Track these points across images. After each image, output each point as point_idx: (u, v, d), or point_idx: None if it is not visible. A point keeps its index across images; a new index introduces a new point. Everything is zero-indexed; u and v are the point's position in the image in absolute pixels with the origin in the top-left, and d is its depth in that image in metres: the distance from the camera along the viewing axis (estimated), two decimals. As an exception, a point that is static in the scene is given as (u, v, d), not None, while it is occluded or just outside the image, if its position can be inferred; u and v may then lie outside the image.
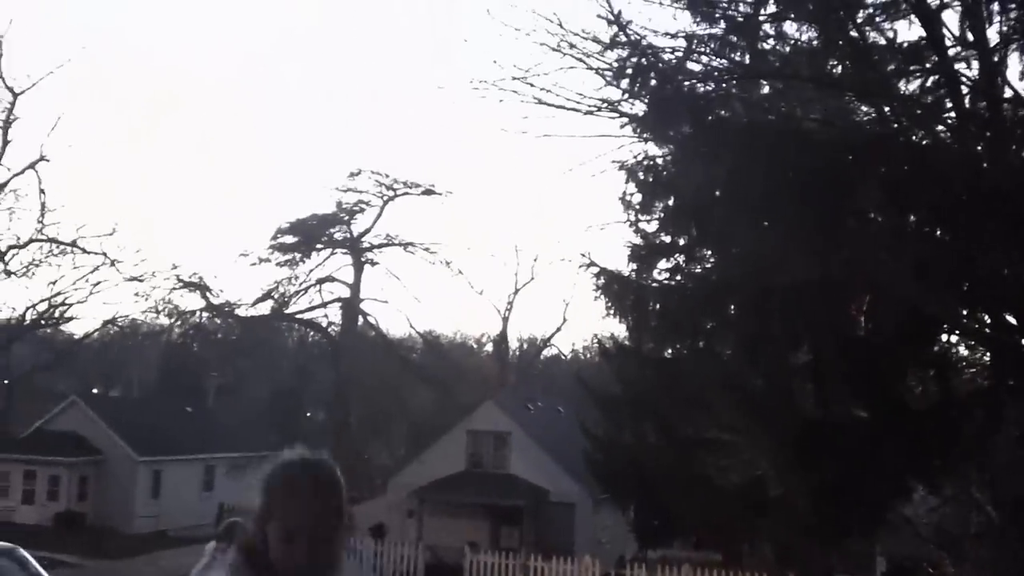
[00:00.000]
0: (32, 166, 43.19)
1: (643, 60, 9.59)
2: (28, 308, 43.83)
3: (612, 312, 13.59)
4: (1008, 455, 11.09)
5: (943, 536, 14.34)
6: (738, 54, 10.29)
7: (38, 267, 43.18)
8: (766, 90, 10.90)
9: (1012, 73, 9.59)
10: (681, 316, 12.17)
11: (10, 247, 42.50)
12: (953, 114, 9.57)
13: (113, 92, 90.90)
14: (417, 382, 55.24)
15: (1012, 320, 9.89)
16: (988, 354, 11.52)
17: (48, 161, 44.13)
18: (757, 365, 11.77)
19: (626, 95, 10.12)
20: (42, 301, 43.93)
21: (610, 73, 9.96)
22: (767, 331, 10.93)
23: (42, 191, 43.19)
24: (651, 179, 13.21)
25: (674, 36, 10.07)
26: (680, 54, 9.95)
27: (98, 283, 43.72)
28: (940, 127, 9.75)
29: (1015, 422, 10.87)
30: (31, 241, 42.67)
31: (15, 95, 43.31)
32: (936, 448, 10.57)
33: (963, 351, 12.26)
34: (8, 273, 42.43)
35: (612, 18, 9.95)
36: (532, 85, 10.81)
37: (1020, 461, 10.74)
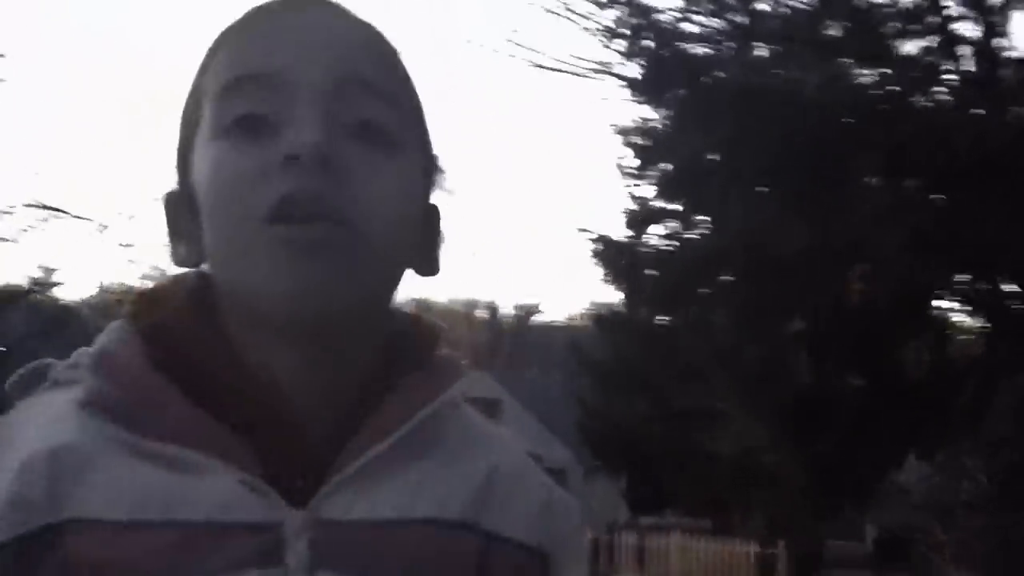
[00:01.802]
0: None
1: (639, 20, 9.47)
2: (22, 276, 43.70)
3: (607, 278, 13.54)
4: (1002, 423, 11.09)
5: (934, 505, 14.38)
6: (735, 15, 10.17)
7: (26, 232, 42.98)
8: (763, 53, 10.78)
9: (1014, 33, 9.49)
10: (675, 283, 12.12)
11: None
12: (953, 77, 9.47)
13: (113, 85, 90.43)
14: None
15: (1009, 287, 9.85)
16: (984, 322, 11.50)
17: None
18: (751, 334, 11.75)
19: (622, 57, 10.01)
20: (35, 267, 43.76)
21: (606, 35, 9.84)
22: (762, 300, 10.89)
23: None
24: (647, 143, 13.10)
25: (670, -4, 10.00)
26: (677, 15, 9.83)
27: (90, 249, 43.60)
28: (940, 90, 9.65)
29: (1010, 390, 10.87)
30: (24, 207, 42.47)
31: None
32: (931, 417, 10.58)
33: (958, 319, 12.25)
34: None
35: (608, -23, 9.83)
36: (526, 47, 10.69)
37: (1014, 429, 10.75)
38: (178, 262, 0.91)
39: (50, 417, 0.82)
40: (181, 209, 0.89)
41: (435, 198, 0.95)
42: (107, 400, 0.81)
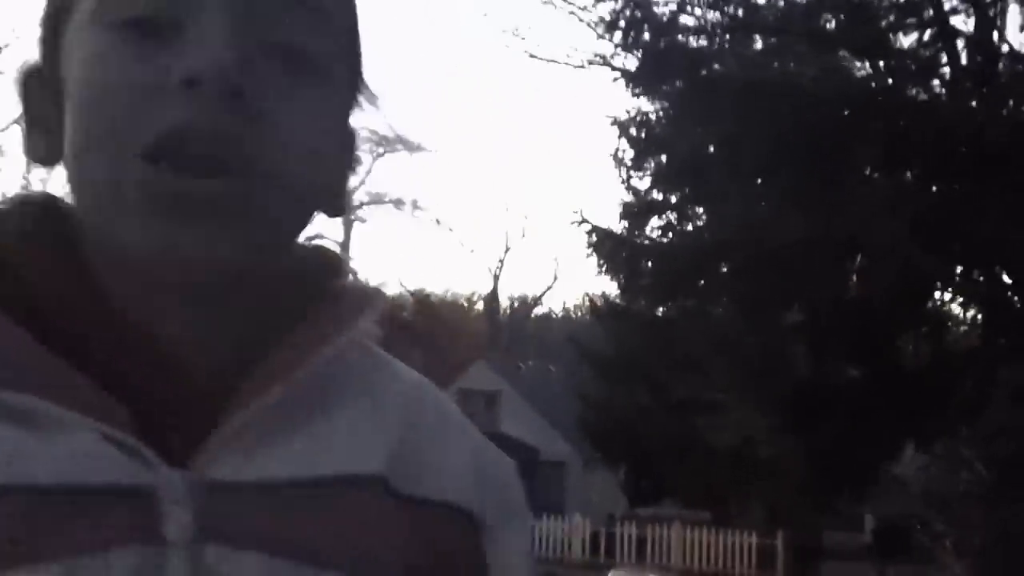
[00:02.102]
0: (16, 121, 43.03)
1: (636, 13, 9.47)
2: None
3: (604, 270, 13.54)
4: (1001, 414, 11.10)
5: (933, 495, 14.39)
6: (732, 8, 10.17)
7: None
8: (760, 46, 10.80)
9: (1009, 27, 9.49)
10: (674, 275, 12.12)
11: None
12: (949, 69, 9.49)
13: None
14: (408, 340, 55.30)
15: (1006, 278, 9.86)
16: (981, 313, 11.52)
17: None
18: (750, 325, 11.75)
19: (619, 49, 10.01)
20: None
21: (603, 26, 9.84)
22: (760, 291, 10.90)
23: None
24: (644, 135, 13.10)
25: (668, -12, 9.99)
26: (674, 7, 9.84)
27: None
28: (936, 83, 9.67)
29: (1008, 381, 10.88)
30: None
31: None
32: (929, 408, 10.59)
33: (956, 310, 12.27)
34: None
35: (605, -31, 9.83)
36: (524, 39, 10.68)
37: (1012, 420, 10.76)
38: (35, 157, 0.74)
39: None
40: (45, 94, 0.72)
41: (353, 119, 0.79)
42: None
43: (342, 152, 0.76)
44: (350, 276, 0.80)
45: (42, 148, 0.72)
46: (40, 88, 0.72)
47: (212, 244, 0.64)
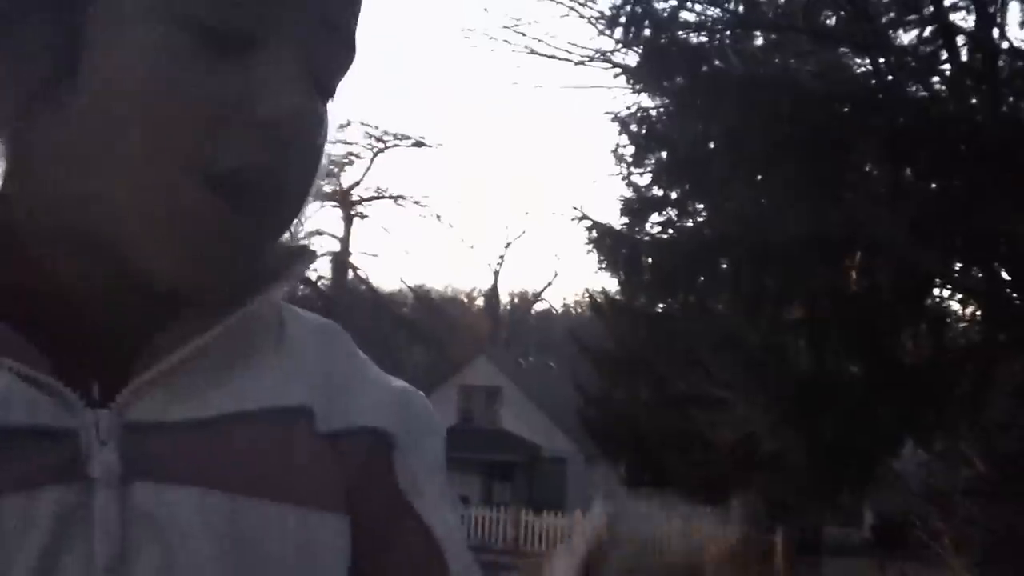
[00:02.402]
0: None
1: (636, 8, 9.47)
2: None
3: (604, 266, 13.55)
4: (1000, 411, 11.12)
5: (932, 491, 14.41)
6: (732, 4, 10.19)
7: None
8: (760, 42, 10.81)
9: (1010, 24, 9.51)
10: (674, 270, 12.13)
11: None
12: (949, 66, 9.49)
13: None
14: (408, 335, 55.34)
15: (1005, 275, 9.87)
16: (980, 309, 11.54)
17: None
18: (751, 321, 11.77)
19: (619, 45, 10.02)
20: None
21: (603, 22, 9.86)
22: (762, 287, 10.91)
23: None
24: (644, 131, 13.12)
25: (668, -16, 9.99)
26: (674, 3, 9.84)
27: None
28: (936, 79, 9.68)
29: (1007, 378, 10.89)
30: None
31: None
32: (929, 404, 10.61)
33: (955, 306, 12.28)
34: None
35: (606, -35, 9.83)
36: (524, 35, 10.72)
37: (1012, 417, 10.78)
38: None
39: None
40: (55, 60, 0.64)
41: None
42: None
43: None
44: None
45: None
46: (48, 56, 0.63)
47: (223, 270, 0.66)
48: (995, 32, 9.02)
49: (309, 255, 0.79)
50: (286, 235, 0.76)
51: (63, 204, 0.65)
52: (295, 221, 0.73)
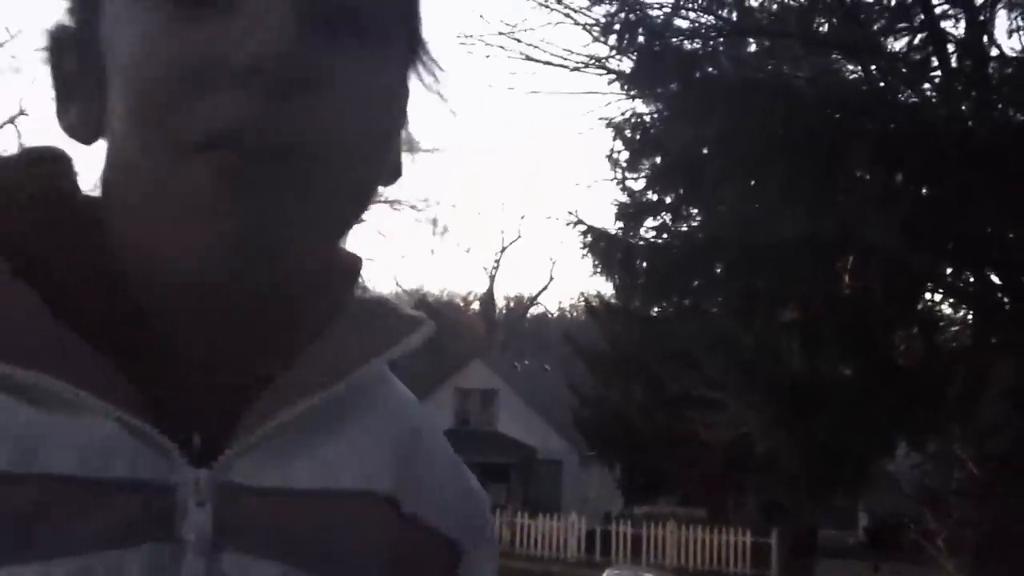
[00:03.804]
0: (11, 120, 42.74)
1: (631, 16, 9.54)
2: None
3: (599, 270, 13.61)
4: (992, 412, 11.18)
5: (925, 493, 14.49)
6: (726, 11, 10.26)
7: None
8: (753, 48, 10.88)
9: (998, 31, 9.60)
10: (669, 274, 12.20)
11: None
12: (939, 72, 9.58)
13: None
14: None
15: (995, 279, 9.95)
16: (972, 312, 11.61)
17: (27, 115, 43.73)
18: (745, 323, 11.82)
19: (614, 51, 10.09)
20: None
21: (597, 29, 9.92)
22: (755, 289, 10.97)
23: (22, 147, 42.65)
24: (638, 136, 13.19)
25: (662, -9, 10.07)
26: (668, 10, 9.92)
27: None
28: (927, 85, 9.76)
29: (999, 380, 10.96)
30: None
31: (-6, 50, 42.76)
32: (921, 405, 10.67)
33: (947, 309, 12.35)
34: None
35: (600, -27, 9.89)
36: (519, 41, 10.77)
37: (1003, 419, 10.83)
38: (68, 131, 0.66)
39: None
40: (80, 60, 0.65)
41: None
42: None
43: (400, 119, 0.70)
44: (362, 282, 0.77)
45: (77, 118, 0.65)
46: (75, 53, 0.65)
47: (251, 253, 0.58)
48: (984, 39, 9.11)
49: (426, 326, 0.77)
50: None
51: (117, 212, 0.63)
52: (361, 199, 0.66)
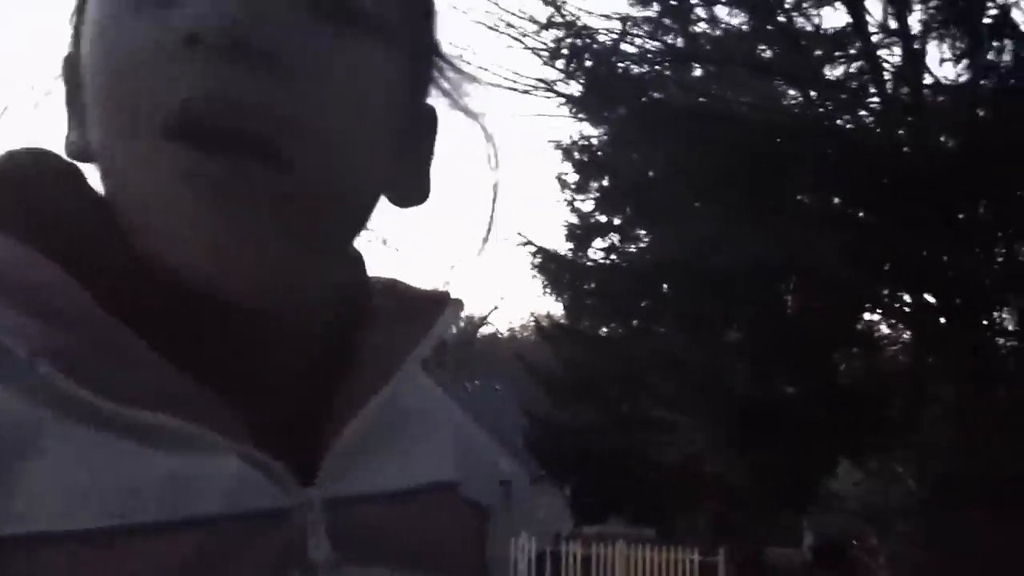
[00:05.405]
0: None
1: (578, 41, 9.67)
2: None
3: (549, 291, 13.73)
4: (931, 432, 11.38)
5: (868, 511, 14.67)
6: (672, 37, 10.42)
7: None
8: (699, 72, 11.04)
9: (932, 60, 9.86)
10: (617, 295, 12.32)
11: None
12: (877, 100, 9.80)
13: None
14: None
15: (931, 300, 10.14)
16: (909, 333, 11.81)
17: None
18: (693, 344, 11.94)
19: (562, 75, 10.20)
20: None
21: (546, 53, 10.03)
22: (702, 311, 11.09)
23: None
24: (587, 159, 13.36)
25: (609, 18, 10.23)
26: (615, 36, 10.05)
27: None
28: (864, 112, 9.97)
29: (937, 400, 11.17)
30: None
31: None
32: (863, 425, 10.83)
33: (885, 330, 12.55)
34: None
35: (548, -1, 10.00)
36: (468, 63, 10.88)
37: (942, 438, 11.01)
38: (71, 153, 0.63)
39: None
40: (74, 82, 0.62)
41: (431, 98, 0.70)
42: (57, 346, 0.51)
43: (412, 127, 0.67)
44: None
45: (76, 141, 0.63)
46: (71, 77, 0.63)
47: (259, 238, 0.55)
48: (919, 68, 9.33)
49: (456, 304, 0.75)
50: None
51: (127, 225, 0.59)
52: (348, 202, 0.62)
